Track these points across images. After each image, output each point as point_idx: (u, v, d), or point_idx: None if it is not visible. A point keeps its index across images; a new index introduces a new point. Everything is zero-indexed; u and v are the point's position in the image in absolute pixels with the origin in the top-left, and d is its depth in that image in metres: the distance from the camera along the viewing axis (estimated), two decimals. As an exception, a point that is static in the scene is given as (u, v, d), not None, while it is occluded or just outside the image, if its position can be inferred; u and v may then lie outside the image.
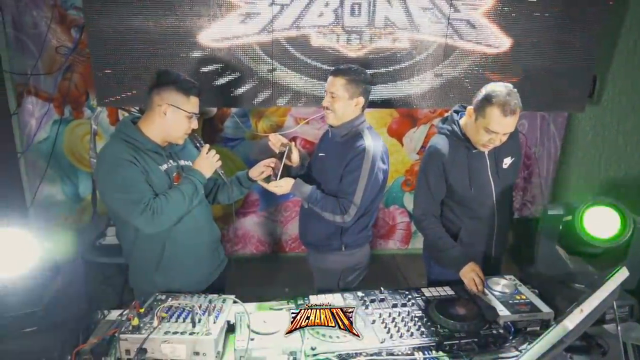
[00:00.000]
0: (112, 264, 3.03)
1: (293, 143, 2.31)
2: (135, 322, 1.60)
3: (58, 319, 1.64)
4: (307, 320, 1.74)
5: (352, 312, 1.75)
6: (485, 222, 2.23)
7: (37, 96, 3.50)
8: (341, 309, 1.77)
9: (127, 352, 1.57)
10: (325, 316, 1.75)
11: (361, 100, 2.21)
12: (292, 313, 1.78)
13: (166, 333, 1.57)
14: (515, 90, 1.97)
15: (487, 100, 1.96)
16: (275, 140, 2.29)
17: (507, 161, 2.19)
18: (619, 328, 1.55)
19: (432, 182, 2.19)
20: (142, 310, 1.68)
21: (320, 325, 1.73)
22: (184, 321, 1.65)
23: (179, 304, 1.72)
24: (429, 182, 2.19)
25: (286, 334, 1.70)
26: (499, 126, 1.95)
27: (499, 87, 1.96)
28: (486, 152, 2.14)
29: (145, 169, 1.88)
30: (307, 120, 3.72)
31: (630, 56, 3.35)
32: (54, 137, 3.57)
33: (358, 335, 1.69)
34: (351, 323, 1.73)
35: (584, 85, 3.17)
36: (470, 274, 2.04)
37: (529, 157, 4.26)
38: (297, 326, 1.71)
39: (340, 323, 1.73)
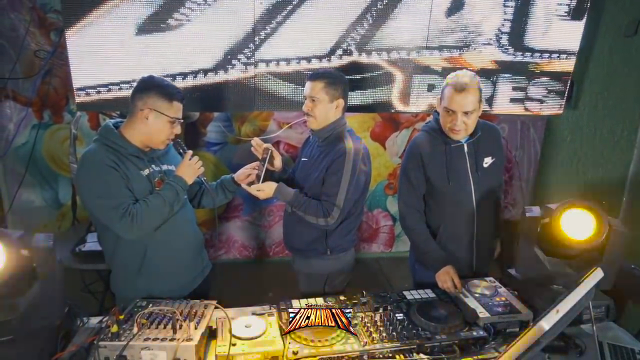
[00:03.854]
0: (93, 271, 2.99)
1: (274, 149, 2.31)
2: (115, 329, 1.58)
3: (35, 327, 1.60)
4: (307, 320, 1.75)
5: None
6: (464, 222, 2.26)
7: (15, 100, 3.44)
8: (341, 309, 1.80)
9: (107, 359, 1.55)
10: (326, 316, 1.76)
11: (341, 102, 2.23)
12: (292, 314, 1.77)
13: (146, 339, 1.56)
14: (474, 74, 2.11)
15: (445, 82, 2.13)
16: (257, 145, 2.29)
17: (488, 160, 2.23)
18: (594, 328, 1.58)
19: (412, 176, 2.24)
20: (121, 317, 1.66)
21: (306, 327, 1.73)
22: (164, 327, 1.63)
23: (160, 310, 1.71)
24: (409, 176, 2.25)
25: (283, 334, 1.71)
26: (453, 103, 2.07)
27: (456, 71, 2.14)
28: (465, 149, 2.19)
29: (126, 174, 1.86)
30: (290, 125, 3.72)
31: (606, 61, 3.44)
32: (32, 141, 3.52)
33: (356, 335, 1.72)
34: (349, 322, 1.75)
35: (562, 89, 3.24)
36: (444, 276, 2.09)
37: (510, 161, 4.32)
38: (293, 328, 1.73)
39: (340, 323, 1.75)
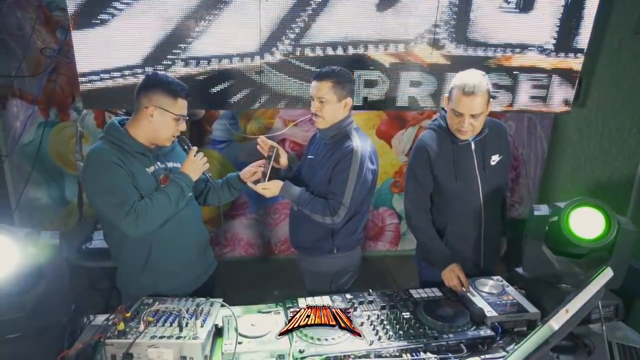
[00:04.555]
0: (99, 268, 3.00)
1: (280, 147, 2.31)
2: (121, 326, 1.58)
3: (42, 325, 1.61)
4: (306, 319, 1.75)
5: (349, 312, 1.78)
6: (471, 220, 2.24)
7: (21, 98, 3.46)
8: (341, 309, 1.80)
9: (113, 357, 1.55)
10: (326, 316, 1.76)
11: (349, 101, 2.21)
12: (291, 312, 1.78)
13: (152, 337, 1.56)
14: (483, 74, 2.06)
15: (454, 83, 2.08)
16: (263, 143, 2.29)
17: (495, 158, 2.21)
18: (604, 328, 1.56)
19: (419, 175, 2.22)
20: (128, 315, 1.66)
21: (312, 326, 1.73)
22: (170, 325, 1.63)
23: (166, 308, 1.71)
24: (416, 174, 2.23)
25: (279, 334, 1.70)
26: (461, 106, 2.03)
27: (465, 71, 2.09)
28: (472, 147, 2.17)
29: (132, 171, 1.86)
30: (296, 122, 3.71)
31: (615, 58, 3.41)
32: (39, 139, 3.53)
33: (360, 335, 1.71)
34: (351, 322, 1.75)
35: (570, 86, 3.20)
36: (450, 274, 2.08)
37: (517, 159, 4.30)
38: (292, 327, 1.72)
39: (341, 322, 1.74)
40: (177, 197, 1.90)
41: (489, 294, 1.98)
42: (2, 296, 1.58)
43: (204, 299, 1.83)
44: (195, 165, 1.98)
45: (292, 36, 2.80)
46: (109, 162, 1.82)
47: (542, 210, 1.95)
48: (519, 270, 2.11)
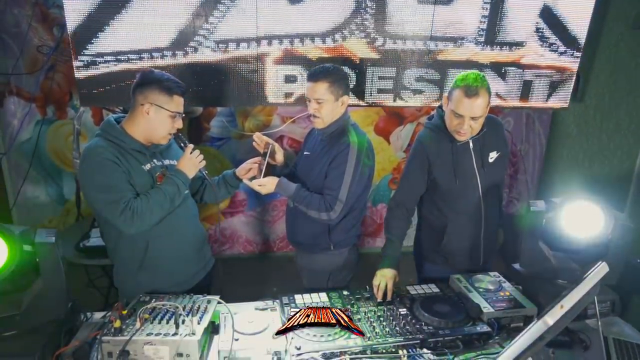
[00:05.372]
0: (97, 266, 3.00)
1: (276, 144, 2.30)
2: (118, 324, 1.58)
3: (38, 322, 1.61)
4: (306, 318, 1.75)
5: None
6: (471, 217, 2.24)
7: (19, 96, 3.45)
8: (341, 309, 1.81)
9: (110, 354, 1.55)
10: (326, 316, 1.77)
11: (346, 98, 2.20)
12: (292, 311, 1.78)
13: (149, 335, 1.55)
14: (483, 76, 2.03)
15: (454, 83, 2.05)
16: (259, 140, 2.28)
17: (493, 155, 2.20)
18: (600, 323, 1.56)
19: (412, 175, 2.23)
20: (124, 312, 1.66)
21: (310, 325, 1.73)
22: (167, 322, 1.63)
23: (163, 305, 1.71)
24: (410, 174, 2.24)
25: (276, 334, 1.69)
26: (462, 107, 2.00)
27: (466, 73, 2.05)
28: (471, 146, 2.15)
29: (128, 168, 1.86)
30: (294, 119, 3.70)
31: (613, 54, 3.40)
32: (36, 137, 3.52)
33: (362, 334, 1.71)
34: (352, 320, 1.76)
35: (568, 82, 3.19)
36: (379, 278, 2.03)
37: (515, 155, 4.30)
38: (290, 327, 1.72)
39: (341, 321, 1.75)
40: (173, 194, 1.90)
41: (485, 290, 1.99)
42: (-3, 294, 1.58)
43: (200, 296, 1.83)
44: (191, 162, 1.98)
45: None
46: (105, 159, 1.81)
47: (539, 206, 1.96)
48: (516, 266, 2.11)
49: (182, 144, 2.04)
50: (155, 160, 1.98)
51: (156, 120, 1.90)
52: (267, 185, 2.18)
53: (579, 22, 3.00)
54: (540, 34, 3.00)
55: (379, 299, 1.96)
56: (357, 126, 2.29)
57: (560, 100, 3.20)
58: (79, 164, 1.91)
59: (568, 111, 3.62)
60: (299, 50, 2.81)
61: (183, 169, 1.96)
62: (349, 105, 2.28)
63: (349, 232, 2.34)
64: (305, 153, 2.38)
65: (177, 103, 1.93)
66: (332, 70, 2.16)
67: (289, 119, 3.72)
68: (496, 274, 2.13)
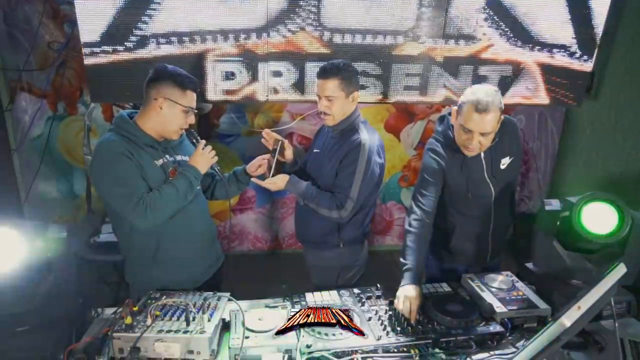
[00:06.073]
0: (108, 262, 3.01)
1: (286, 140, 2.29)
2: (129, 320, 1.58)
3: (50, 318, 1.61)
4: (306, 318, 1.74)
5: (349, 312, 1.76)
6: (481, 221, 2.20)
7: (30, 92, 3.47)
8: (341, 309, 1.79)
9: (121, 350, 1.55)
10: (326, 315, 1.75)
11: (357, 94, 2.18)
12: (291, 312, 1.77)
13: (160, 331, 1.56)
14: (496, 91, 1.92)
15: (464, 98, 1.94)
16: (268, 136, 2.27)
17: (505, 161, 2.12)
18: (616, 324, 1.54)
19: (426, 191, 2.09)
20: (135, 309, 1.66)
21: (312, 324, 1.72)
22: (178, 319, 1.63)
23: (173, 302, 1.71)
24: (422, 190, 2.10)
25: (276, 333, 1.68)
26: (472, 123, 1.90)
27: (477, 87, 1.94)
28: (482, 155, 2.08)
29: (141, 163, 1.86)
30: (303, 116, 3.68)
31: (629, 52, 3.34)
32: (47, 133, 3.54)
33: (363, 334, 1.69)
34: (352, 321, 1.74)
35: (582, 80, 3.14)
36: (401, 298, 1.83)
37: (527, 153, 4.25)
38: (289, 326, 1.71)
39: (342, 321, 1.73)
40: (186, 189, 1.89)
41: (498, 290, 1.96)
42: (10, 290, 1.59)
43: (211, 293, 1.83)
44: (204, 158, 1.98)
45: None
46: (118, 153, 1.81)
47: (554, 205, 1.93)
48: (529, 265, 2.09)
49: (194, 140, 2.04)
50: (167, 156, 1.98)
51: (169, 114, 1.89)
52: (277, 182, 2.17)
53: (595, 20, 2.95)
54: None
55: (413, 321, 1.77)
56: (368, 123, 2.27)
57: (573, 98, 3.15)
58: (92, 158, 1.91)
59: (582, 109, 3.57)
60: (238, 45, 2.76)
61: (196, 164, 1.96)
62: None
63: (358, 229, 2.32)
64: (315, 150, 2.37)
65: (190, 98, 1.92)
66: (343, 66, 2.13)
67: (299, 115, 3.70)
68: (509, 273, 2.10)
